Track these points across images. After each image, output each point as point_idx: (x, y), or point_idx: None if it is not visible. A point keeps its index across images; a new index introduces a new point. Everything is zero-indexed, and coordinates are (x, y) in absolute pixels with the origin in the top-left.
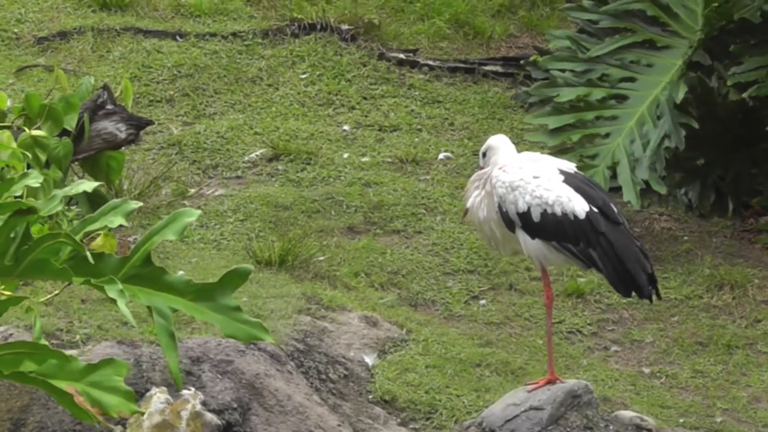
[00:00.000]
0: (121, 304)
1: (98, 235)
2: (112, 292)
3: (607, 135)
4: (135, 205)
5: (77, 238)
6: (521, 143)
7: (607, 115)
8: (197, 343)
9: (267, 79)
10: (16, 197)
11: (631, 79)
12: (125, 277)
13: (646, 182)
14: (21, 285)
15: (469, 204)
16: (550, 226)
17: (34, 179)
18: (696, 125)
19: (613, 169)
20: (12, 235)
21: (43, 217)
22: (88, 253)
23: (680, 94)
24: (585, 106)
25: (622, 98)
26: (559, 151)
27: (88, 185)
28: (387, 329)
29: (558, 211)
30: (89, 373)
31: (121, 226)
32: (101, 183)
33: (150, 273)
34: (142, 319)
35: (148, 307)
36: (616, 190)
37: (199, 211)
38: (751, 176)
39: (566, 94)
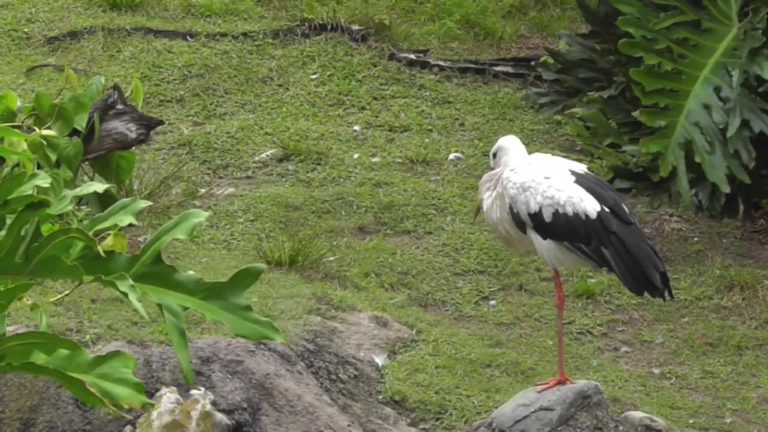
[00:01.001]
0: (133, 298)
1: (108, 235)
2: (123, 286)
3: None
4: (144, 204)
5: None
6: (531, 144)
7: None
8: (207, 343)
9: (277, 80)
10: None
11: (684, 57)
12: (136, 275)
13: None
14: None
15: (483, 207)
16: (561, 227)
17: (43, 179)
18: None
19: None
20: (22, 233)
21: (53, 216)
22: (99, 249)
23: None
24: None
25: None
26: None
27: (99, 186)
28: (397, 329)
29: (569, 211)
30: (98, 365)
31: (131, 225)
32: (112, 185)
33: (160, 271)
34: (153, 319)
35: (159, 305)
36: (626, 191)
37: (208, 212)
38: (762, 177)
39: (648, 58)
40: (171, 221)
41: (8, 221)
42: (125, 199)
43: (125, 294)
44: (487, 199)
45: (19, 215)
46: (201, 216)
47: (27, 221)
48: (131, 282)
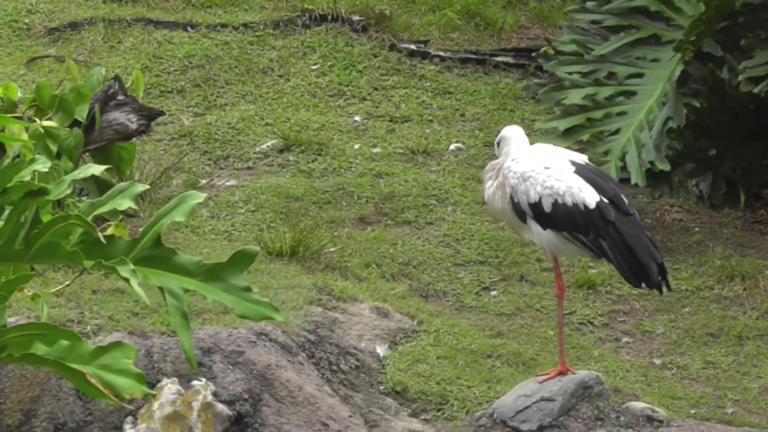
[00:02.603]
0: (134, 282)
1: (109, 226)
2: (124, 272)
3: (617, 131)
4: (142, 187)
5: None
6: (532, 134)
7: (616, 112)
8: (208, 334)
9: (278, 70)
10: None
11: (639, 75)
12: (136, 258)
13: (652, 162)
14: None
15: (486, 196)
16: (561, 217)
17: (43, 164)
18: (698, 104)
19: (623, 159)
20: (22, 219)
21: (53, 202)
22: (99, 234)
23: (676, 72)
24: (593, 104)
25: (630, 94)
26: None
27: (97, 168)
28: (398, 320)
29: (569, 201)
30: (99, 356)
31: (131, 216)
32: (109, 166)
33: (160, 254)
34: (153, 310)
35: (160, 289)
36: (627, 181)
37: (204, 194)
38: (763, 167)
39: (574, 96)
40: (169, 204)
41: (7, 209)
42: (123, 183)
43: (126, 280)
44: (489, 188)
45: (18, 203)
46: (199, 197)
47: (26, 208)
48: (132, 267)
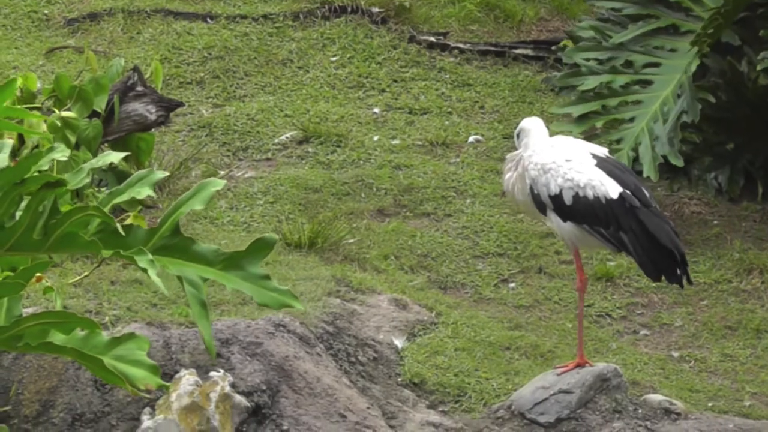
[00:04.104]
0: (152, 273)
1: (128, 217)
2: (142, 262)
3: (632, 119)
4: (161, 174)
5: (105, 210)
6: (551, 126)
7: (631, 100)
8: (226, 325)
9: (297, 62)
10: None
11: (656, 65)
12: (154, 248)
13: (665, 157)
14: (50, 267)
15: (505, 187)
16: (581, 209)
17: (61, 153)
18: (712, 99)
19: (636, 149)
20: (40, 209)
21: (72, 192)
22: (117, 225)
23: (693, 66)
24: (609, 92)
25: (646, 83)
26: (584, 139)
27: (115, 156)
28: (416, 312)
29: (590, 194)
30: (114, 347)
31: (149, 207)
32: (128, 153)
33: (179, 243)
34: (171, 301)
35: (179, 278)
36: (639, 173)
37: (223, 181)
38: None
39: (590, 82)
40: (188, 192)
41: (26, 199)
42: (142, 171)
43: (144, 270)
44: (509, 180)
45: (36, 193)
46: (218, 184)
47: (45, 198)
48: (150, 257)
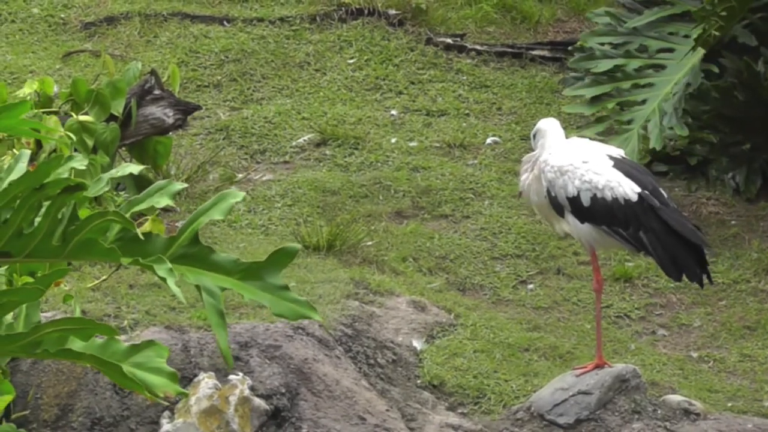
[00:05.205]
0: (171, 282)
1: (146, 220)
2: (161, 270)
3: (644, 101)
4: (180, 186)
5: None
6: (568, 127)
7: (644, 83)
8: (245, 328)
9: (314, 64)
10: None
11: (669, 50)
12: (173, 256)
13: (671, 129)
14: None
15: (521, 188)
16: (600, 211)
17: (80, 161)
18: (716, 69)
19: (645, 128)
20: (59, 215)
21: (90, 199)
22: (138, 231)
23: (698, 51)
24: (622, 75)
25: (659, 67)
26: (596, 120)
27: (135, 168)
28: (435, 314)
29: (608, 195)
30: (132, 354)
31: (167, 210)
32: (147, 166)
33: (198, 252)
34: (190, 304)
35: (197, 287)
36: (663, 174)
37: (243, 193)
38: None
39: (604, 65)
40: (208, 202)
41: (45, 204)
42: (161, 181)
43: (163, 279)
44: (525, 180)
45: (55, 199)
46: (238, 196)
47: (64, 204)
48: (169, 265)
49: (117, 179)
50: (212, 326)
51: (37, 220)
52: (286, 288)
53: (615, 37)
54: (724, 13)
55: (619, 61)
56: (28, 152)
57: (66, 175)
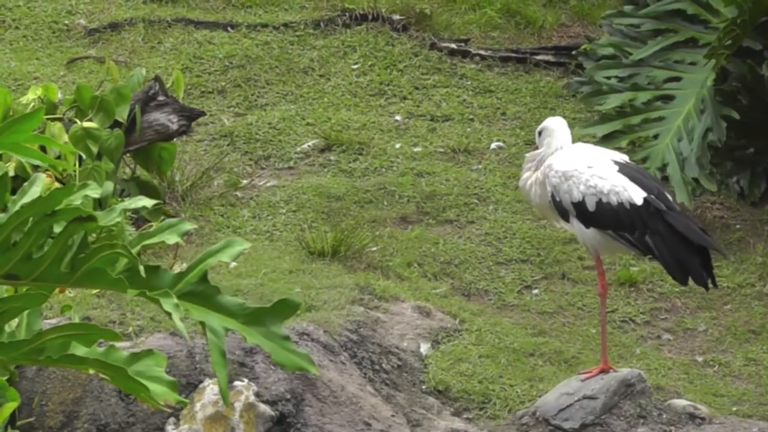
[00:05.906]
0: (176, 318)
1: (150, 226)
2: (167, 305)
3: (656, 136)
4: (190, 226)
5: (134, 251)
6: (572, 133)
7: (654, 117)
8: None
9: (319, 70)
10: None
11: (677, 79)
12: (180, 293)
13: (696, 180)
14: None
15: (521, 184)
16: (605, 216)
17: (94, 190)
18: (737, 116)
19: (663, 169)
20: (69, 242)
21: (101, 227)
22: (141, 267)
23: (709, 81)
24: (631, 110)
25: (668, 99)
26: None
27: (148, 201)
28: (440, 319)
29: (614, 200)
30: (132, 363)
31: (172, 218)
32: (159, 201)
33: (204, 291)
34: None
35: (201, 324)
36: (667, 179)
37: (249, 243)
38: None
39: (612, 101)
40: (216, 245)
41: (56, 227)
42: (172, 220)
43: (168, 314)
44: (527, 179)
45: (67, 227)
46: (244, 245)
47: (75, 232)
48: (176, 300)
49: (120, 183)
50: (213, 364)
51: (47, 244)
52: (287, 338)
53: (621, 69)
54: (729, 42)
55: (628, 95)
56: (42, 176)
57: (78, 202)
